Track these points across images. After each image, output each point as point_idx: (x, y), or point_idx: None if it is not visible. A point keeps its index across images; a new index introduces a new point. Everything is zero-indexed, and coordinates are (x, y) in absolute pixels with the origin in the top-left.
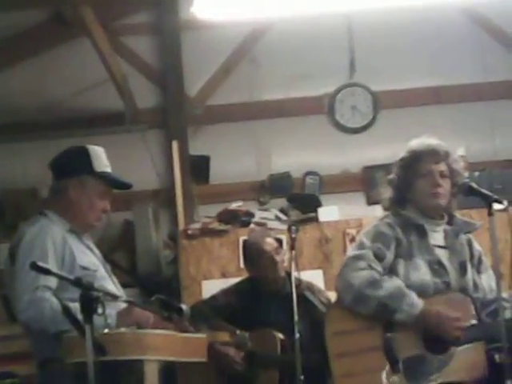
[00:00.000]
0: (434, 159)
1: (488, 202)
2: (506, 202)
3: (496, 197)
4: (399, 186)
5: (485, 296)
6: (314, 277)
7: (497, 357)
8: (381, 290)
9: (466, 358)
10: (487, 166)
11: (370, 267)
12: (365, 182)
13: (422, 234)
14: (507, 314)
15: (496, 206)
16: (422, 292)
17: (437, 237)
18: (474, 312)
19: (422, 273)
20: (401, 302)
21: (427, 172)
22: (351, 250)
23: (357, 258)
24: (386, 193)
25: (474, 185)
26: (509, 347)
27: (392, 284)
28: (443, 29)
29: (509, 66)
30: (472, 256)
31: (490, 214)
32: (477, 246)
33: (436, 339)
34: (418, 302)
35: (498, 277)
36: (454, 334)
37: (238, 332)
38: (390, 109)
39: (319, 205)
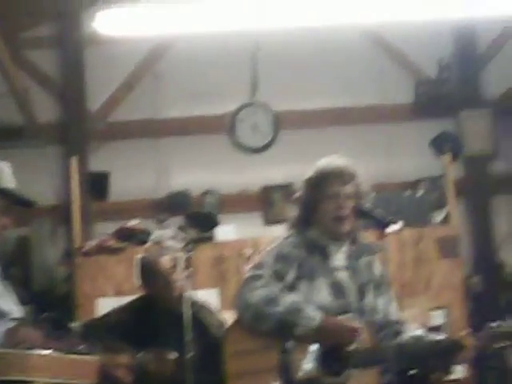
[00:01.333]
0: (340, 181)
1: (379, 224)
2: (400, 224)
3: (388, 219)
4: (305, 205)
5: (382, 319)
6: (209, 296)
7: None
8: (279, 306)
9: (361, 381)
10: (384, 187)
11: (268, 286)
12: (263, 201)
13: (325, 255)
14: (402, 338)
15: (391, 228)
16: None
17: (339, 258)
18: (368, 336)
19: (323, 294)
20: (298, 315)
21: (333, 194)
22: (251, 269)
23: (256, 277)
24: (292, 212)
25: (366, 207)
26: (401, 370)
27: (289, 299)
28: (345, 51)
29: (407, 88)
30: (373, 278)
31: (382, 236)
32: (377, 269)
33: (333, 358)
34: (315, 314)
35: (395, 300)
36: (352, 341)
37: (132, 353)
38: (291, 129)
39: (217, 224)
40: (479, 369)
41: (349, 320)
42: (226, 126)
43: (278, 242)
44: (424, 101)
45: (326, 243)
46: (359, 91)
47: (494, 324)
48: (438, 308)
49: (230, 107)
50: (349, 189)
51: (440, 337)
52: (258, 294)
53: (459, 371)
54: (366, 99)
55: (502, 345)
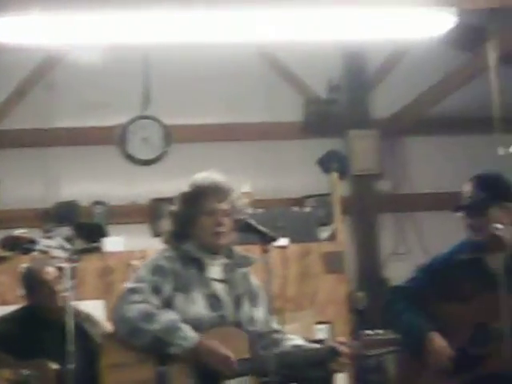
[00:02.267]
0: (217, 197)
1: (264, 239)
2: (287, 239)
3: (272, 235)
4: (181, 220)
5: (260, 329)
6: (95, 307)
7: None
8: (155, 323)
9: None
10: (271, 203)
11: (146, 300)
12: (151, 214)
13: (200, 267)
14: (282, 347)
15: (278, 243)
16: (198, 326)
17: (215, 271)
18: (248, 346)
19: (198, 306)
20: (174, 335)
21: (211, 210)
22: (129, 282)
23: (133, 290)
24: (167, 225)
25: (252, 222)
26: (281, 380)
27: (166, 317)
28: (236, 67)
29: (297, 107)
30: (248, 290)
31: (265, 250)
32: (253, 280)
33: (209, 373)
34: (192, 336)
35: (272, 311)
36: (224, 370)
37: (14, 364)
38: (181, 143)
39: (105, 234)
40: (361, 382)
41: (223, 348)
42: (116, 137)
43: (155, 255)
44: (313, 120)
45: (202, 256)
46: (249, 108)
47: (369, 332)
48: (323, 323)
49: (122, 119)
50: (225, 205)
51: (317, 345)
52: (135, 308)
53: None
54: (255, 116)
55: (378, 352)
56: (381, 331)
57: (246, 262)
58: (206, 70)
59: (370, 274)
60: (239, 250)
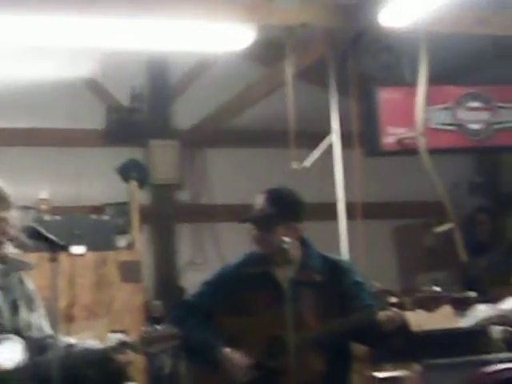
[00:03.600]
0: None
1: (52, 247)
2: (84, 248)
3: (62, 243)
4: None
5: (37, 334)
6: None
7: None
8: None
9: None
10: (71, 210)
11: None
12: None
13: None
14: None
15: (75, 251)
16: None
17: None
18: (22, 351)
19: None
20: None
21: None
22: None
23: None
24: None
25: (41, 230)
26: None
27: None
28: (39, 72)
29: (99, 114)
30: (24, 294)
31: (53, 259)
32: (29, 285)
33: None
34: None
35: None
36: None
37: None
38: None
39: None
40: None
41: None
42: None
43: None
44: (114, 128)
45: None
46: (50, 114)
47: (148, 328)
48: (118, 331)
49: None
50: (6, 213)
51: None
52: None
53: None
54: (57, 122)
55: (159, 348)
56: (159, 327)
57: (21, 266)
58: (7, 75)
59: (167, 282)
60: (16, 254)
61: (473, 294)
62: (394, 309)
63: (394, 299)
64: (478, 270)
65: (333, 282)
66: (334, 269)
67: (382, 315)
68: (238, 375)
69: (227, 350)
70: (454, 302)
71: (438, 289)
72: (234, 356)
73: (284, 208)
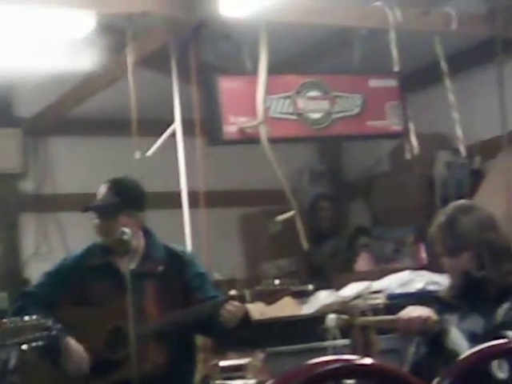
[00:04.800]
0: None
1: None
2: None
3: None
4: None
5: None
6: None
7: None
8: None
9: None
10: None
11: None
12: None
13: None
14: None
15: None
16: None
17: None
18: None
19: None
20: None
21: None
22: None
23: None
24: None
25: None
26: None
27: None
28: None
29: None
30: None
31: None
32: None
33: None
34: None
35: None
36: None
37: None
38: None
39: None
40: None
41: None
42: None
43: None
44: None
45: None
46: None
47: (4, 320)
48: None
49: None
50: None
51: None
52: None
53: None
54: None
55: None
56: (16, 319)
57: None
58: None
59: (11, 274)
60: None
61: (311, 287)
62: (235, 302)
63: (234, 292)
64: (321, 256)
65: (175, 274)
66: (177, 260)
67: (224, 312)
68: (77, 366)
69: (69, 339)
70: (292, 295)
71: (277, 281)
72: (75, 347)
73: (126, 197)
